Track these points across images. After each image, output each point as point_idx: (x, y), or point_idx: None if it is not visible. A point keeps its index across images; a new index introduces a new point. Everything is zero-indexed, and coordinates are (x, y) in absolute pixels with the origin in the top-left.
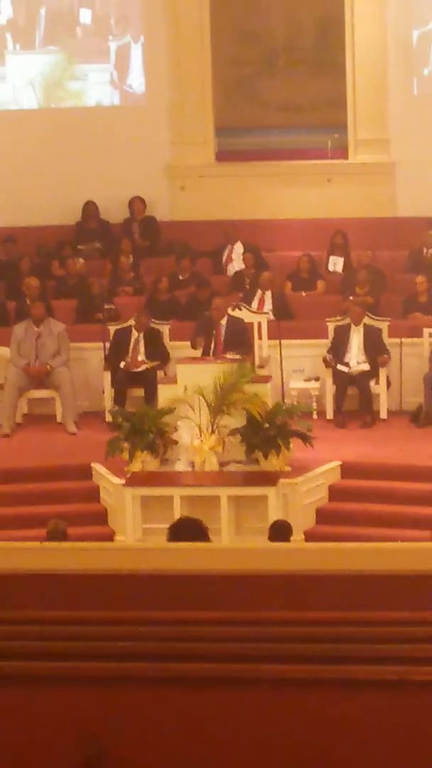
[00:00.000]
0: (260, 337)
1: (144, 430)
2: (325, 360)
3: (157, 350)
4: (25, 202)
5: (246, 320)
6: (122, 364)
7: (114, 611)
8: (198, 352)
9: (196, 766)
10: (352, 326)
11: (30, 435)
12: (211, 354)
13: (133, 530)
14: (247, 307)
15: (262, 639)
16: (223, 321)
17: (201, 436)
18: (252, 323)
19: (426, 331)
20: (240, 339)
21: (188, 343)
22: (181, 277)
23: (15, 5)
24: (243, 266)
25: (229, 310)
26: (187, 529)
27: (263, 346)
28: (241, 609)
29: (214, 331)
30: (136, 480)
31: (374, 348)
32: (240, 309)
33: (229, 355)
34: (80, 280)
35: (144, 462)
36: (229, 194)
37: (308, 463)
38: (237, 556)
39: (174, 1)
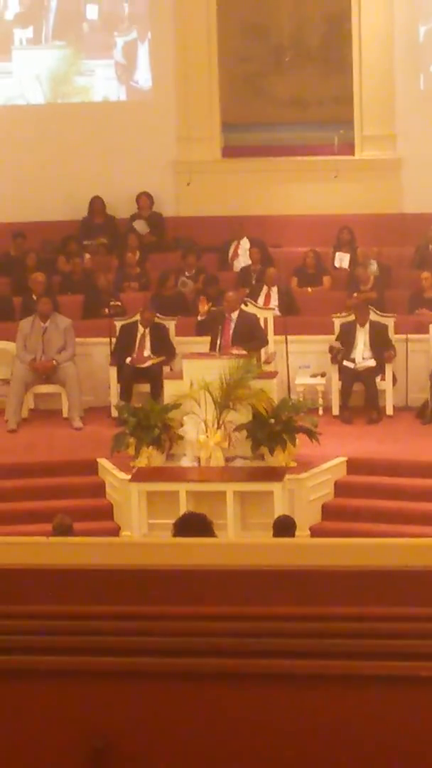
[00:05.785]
0: (266, 333)
1: (150, 425)
2: (331, 349)
3: (163, 346)
4: (31, 198)
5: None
6: (128, 360)
7: (119, 606)
8: (203, 344)
9: (202, 760)
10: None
11: (36, 430)
12: (217, 349)
13: (139, 525)
14: (254, 302)
15: (267, 634)
16: (234, 315)
17: (207, 431)
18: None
19: None
20: (251, 334)
21: (194, 338)
22: (187, 273)
23: (23, 0)
24: (249, 262)
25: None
26: (193, 525)
27: (269, 342)
28: (247, 604)
29: (221, 326)
30: (141, 475)
31: (380, 344)
32: (246, 304)
33: (235, 351)
34: (86, 275)
35: (150, 457)
36: (235, 190)
37: (314, 458)
38: (242, 552)
39: None
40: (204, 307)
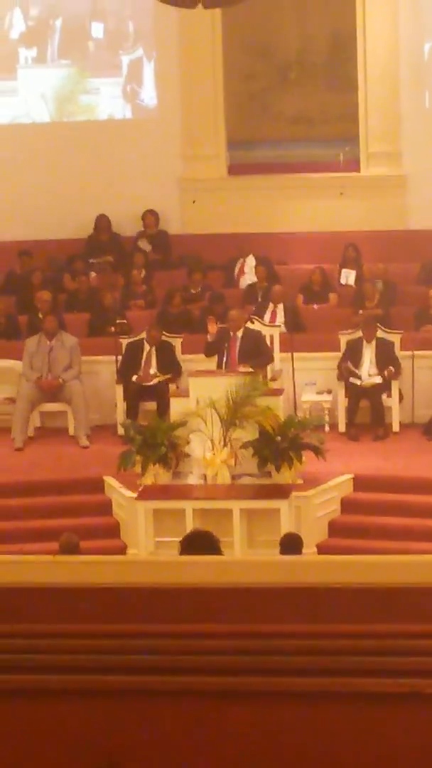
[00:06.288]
0: (272, 350)
1: (156, 443)
2: (340, 368)
3: (169, 363)
4: (37, 216)
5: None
6: (134, 378)
7: (126, 625)
8: (210, 362)
9: None
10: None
11: (42, 448)
12: (223, 367)
13: (146, 543)
14: (260, 320)
15: (274, 652)
16: (239, 333)
17: (213, 449)
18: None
19: None
20: (256, 351)
21: (201, 356)
22: (193, 291)
23: (28, 19)
24: (255, 279)
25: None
26: (200, 542)
27: (275, 359)
28: (254, 622)
29: (227, 344)
30: (148, 493)
31: (386, 361)
32: (252, 322)
33: (242, 368)
34: (92, 293)
35: (156, 475)
36: (241, 207)
37: (320, 475)
38: (249, 569)
39: (186, 14)
40: (213, 327)
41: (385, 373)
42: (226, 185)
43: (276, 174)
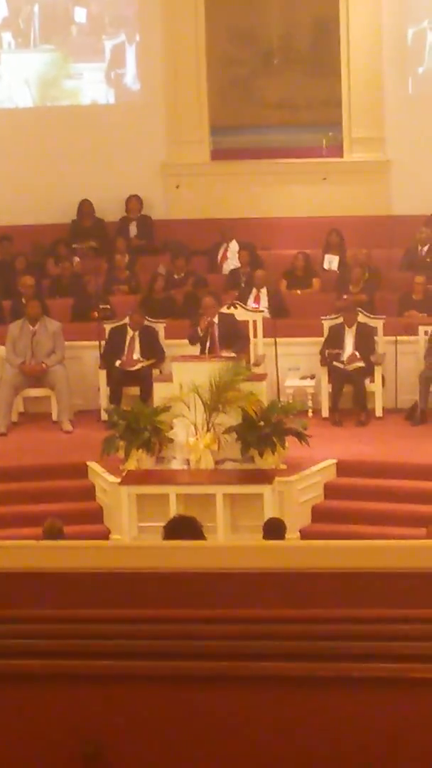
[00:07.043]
0: (255, 335)
1: (139, 428)
2: (322, 353)
3: (152, 349)
4: (20, 201)
5: (242, 318)
6: (117, 363)
7: (110, 609)
8: (194, 349)
9: (194, 764)
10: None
11: (26, 433)
12: (206, 353)
13: (129, 528)
14: (243, 305)
15: (257, 637)
16: (216, 319)
17: (196, 434)
18: (247, 321)
19: (421, 329)
20: (234, 336)
21: (184, 341)
22: (176, 276)
23: (10, 4)
24: (238, 264)
25: (224, 308)
26: (183, 528)
27: (259, 344)
28: (237, 607)
29: (208, 331)
30: (131, 478)
31: (365, 347)
32: (235, 307)
33: (224, 353)
34: (75, 278)
35: (139, 460)
36: (224, 193)
37: (304, 461)
38: (232, 554)
39: None
40: (204, 323)
41: (359, 354)
42: (210, 170)
43: (259, 159)
